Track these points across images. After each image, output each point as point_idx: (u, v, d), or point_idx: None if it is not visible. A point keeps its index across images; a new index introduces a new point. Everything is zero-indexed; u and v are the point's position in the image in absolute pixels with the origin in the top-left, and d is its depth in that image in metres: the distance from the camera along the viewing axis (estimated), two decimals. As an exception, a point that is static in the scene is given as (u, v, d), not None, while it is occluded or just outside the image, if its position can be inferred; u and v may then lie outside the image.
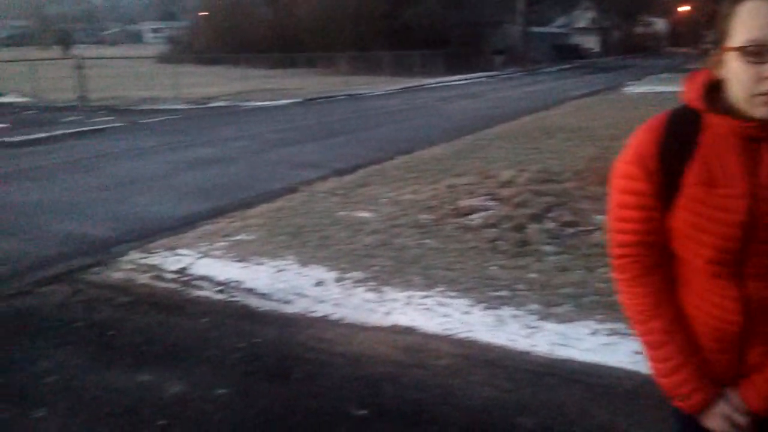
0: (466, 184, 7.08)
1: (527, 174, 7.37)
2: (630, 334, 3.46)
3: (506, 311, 3.95)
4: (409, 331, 3.78)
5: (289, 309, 4.16)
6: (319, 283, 4.53)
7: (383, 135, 12.67)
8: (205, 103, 19.46)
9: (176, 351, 3.60)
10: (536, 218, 5.70)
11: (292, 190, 7.53)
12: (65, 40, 57.16)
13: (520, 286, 4.32)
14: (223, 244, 5.48)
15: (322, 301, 4.23)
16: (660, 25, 70.55)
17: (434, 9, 34.78)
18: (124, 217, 6.64)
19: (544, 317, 3.84)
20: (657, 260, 1.35)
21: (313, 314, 4.06)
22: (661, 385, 1.36)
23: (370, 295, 4.29)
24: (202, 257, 5.15)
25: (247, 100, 20.14)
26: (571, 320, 3.79)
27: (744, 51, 1.14)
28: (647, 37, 69.19)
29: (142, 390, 3.19)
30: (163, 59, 35.47)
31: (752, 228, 1.21)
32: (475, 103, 19.13)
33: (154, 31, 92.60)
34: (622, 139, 1.45)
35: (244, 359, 3.48)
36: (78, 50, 42.74)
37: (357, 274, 4.64)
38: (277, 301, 4.29)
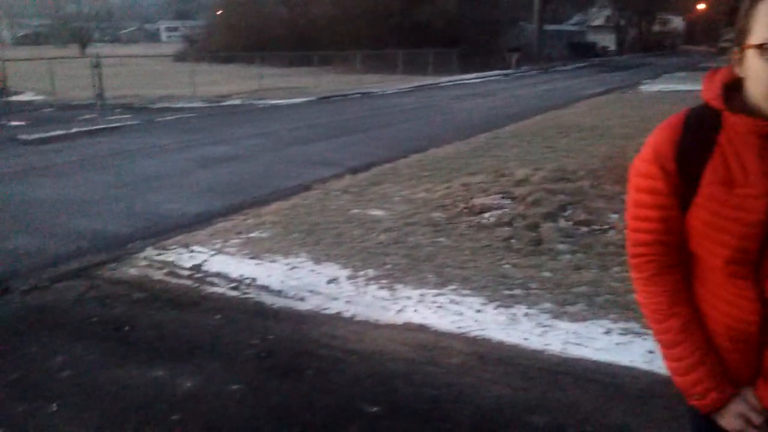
0: (479, 183, 7.06)
1: (541, 172, 7.33)
2: (643, 334, 3.44)
3: (519, 310, 3.94)
4: (421, 328, 3.78)
5: (302, 306, 4.17)
6: (332, 281, 4.54)
7: (397, 133, 12.67)
8: (220, 102, 19.54)
9: (190, 347, 3.63)
10: (550, 217, 5.67)
11: (306, 187, 7.56)
12: (82, 39, 57.64)
13: (534, 285, 4.31)
14: (237, 241, 5.50)
15: (335, 299, 4.24)
16: (676, 23, 69.99)
17: (448, 7, 34.65)
18: (140, 214, 6.70)
19: (558, 316, 3.83)
20: (674, 259, 1.35)
21: (326, 311, 4.07)
22: (677, 383, 1.35)
23: (383, 293, 4.29)
24: (216, 254, 5.18)
25: (262, 99, 20.20)
26: (584, 319, 3.77)
27: (764, 49, 1.13)
28: (664, 35, 68.65)
29: (156, 385, 3.21)
30: (180, 57, 35.62)
31: (770, 228, 1.19)
32: (489, 102, 19.06)
33: (171, 29, 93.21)
34: (638, 138, 1.44)
35: (257, 356, 3.50)
36: (95, 49, 43.13)
37: (370, 272, 4.65)
38: (291, 298, 4.31)
